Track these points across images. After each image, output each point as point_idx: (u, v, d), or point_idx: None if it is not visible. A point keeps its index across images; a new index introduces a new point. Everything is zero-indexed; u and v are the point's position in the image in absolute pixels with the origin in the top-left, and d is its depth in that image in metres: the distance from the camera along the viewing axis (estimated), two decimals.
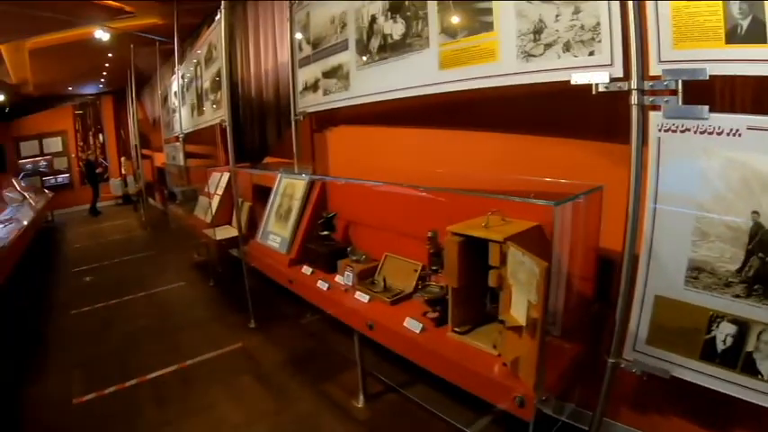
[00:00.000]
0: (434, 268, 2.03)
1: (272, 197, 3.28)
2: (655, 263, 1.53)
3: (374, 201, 2.70)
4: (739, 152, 1.34)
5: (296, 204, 3.04)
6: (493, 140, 2.26)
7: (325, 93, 3.04)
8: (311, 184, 3.03)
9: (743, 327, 1.38)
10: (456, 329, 1.87)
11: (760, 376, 1.37)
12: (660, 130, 1.46)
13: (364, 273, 2.52)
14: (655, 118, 1.47)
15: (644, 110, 1.49)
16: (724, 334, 1.41)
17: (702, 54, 1.36)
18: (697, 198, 1.42)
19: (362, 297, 2.32)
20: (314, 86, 3.14)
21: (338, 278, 2.57)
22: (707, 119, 1.38)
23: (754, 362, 1.37)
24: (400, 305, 2.25)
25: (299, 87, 3.32)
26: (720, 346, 1.42)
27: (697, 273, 1.44)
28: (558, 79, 1.70)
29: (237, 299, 3.88)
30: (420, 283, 2.28)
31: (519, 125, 2.14)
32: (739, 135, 1.33)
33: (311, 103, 3.21)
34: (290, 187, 3.16)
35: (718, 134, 1.37)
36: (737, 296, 1.38)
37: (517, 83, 1.84)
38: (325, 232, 2.82)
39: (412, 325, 1.97)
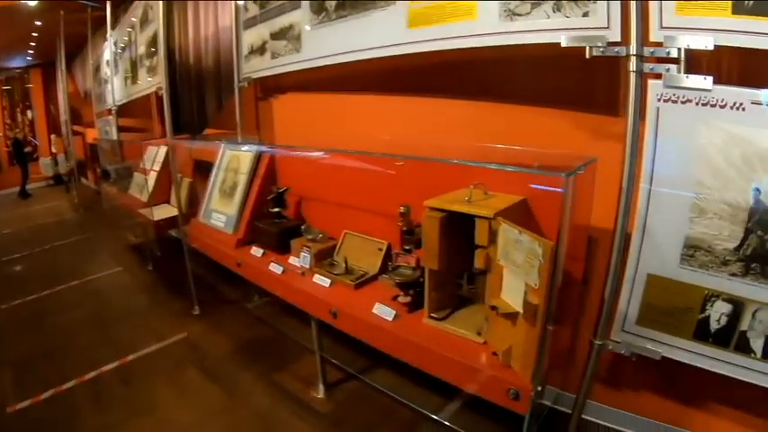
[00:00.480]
0: (407, 248, 1.87)
1: (214, 172, 2.96)
2: (648, 240, 1.45)
3: (331, 174, 2.46)
4: (742, 127, 1.28)
5: (242, 179, 2.75)
6: (466, 108, 2.10)
7: (274, 56, 2.74)
8: (259, 157, 2.75)
9: (738, 306, 1.35)
10: (433, 315, 1.72)
11: (753, 354, 1.34)
12: (659, 100, 1.37)
13: (322, 253, 2.31)
14: (654, 87, 1.38)
15: (643, 78, 1.40)
16: (719, 313, 1.38)
17: (707, 23, 1.28)
18: (696, 173, 1.35)
19: (322, 281, 2.12)
20: (261, 49, 2.82)
21: (292, 260, 2.35)
22: (710, 90, 1.31)
23: (748, 340, 1.34)
24: (365, 288, 2.08)
25: (244, 51, 2.98)
26: (714, 326, 1.39)
27: (693, 251, 1.38)
28: (547, 41, 1.56)
29: (179, 283, 3.57)
30: (390, 264, 2.12)
31: (496, 92, 1.99)
32: (743, 109, 1.27)
33: (257, 68, 2.90)
34: (234, 160, 2.86)
35: (721, 107, 1.30)
36: (734, 274, 1.33)
37: (500, 44, 1.69)
38: (276, 209, 2.56)
39: (383, 311, 1.80)
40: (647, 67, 1.38)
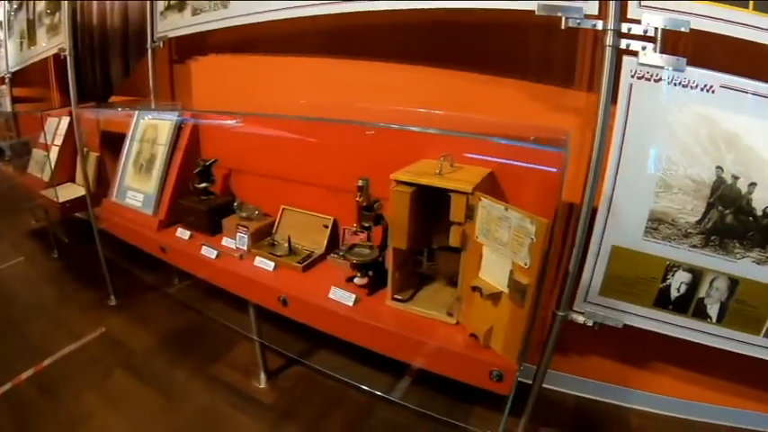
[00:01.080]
0: (366, 225, 1.75)
1: (127, 144, 2.57)
2: (614, 214, 1.48)
3: (264, 143, 2.22)
4: (710, 108, 1.33)
5: (161, 151, 2.41)
6: (416, 73, 1.99)
7: (196, 12, 2.41)
8: (180, 126, 2.41)
9: (697, 275, 1.42)
10: (398, 297, 1.63)
11: (709, 319, 1.44)
12: (633, 77, 1.39)
13: (260, 232, 2.12)
14: (628, 63, 1.39)
15: (618, 53, 1.40)
16: (679, 282, 1.45)
17: (684, 5, 1.29)
18: (664, 150, 1.40)
19: (265, 264, 1.93)
20: (180, 5, 2.48)
21: (226, 241, 2.11)
22: (683, 71, 1.34)
23: (705, 307, 1.43)
24: (314, 270, 1.93)
25: (159, 7, 2.61)
26: (674, 294, 1.46)
27: (657, 224, 1.43)
28: (518, 8, 1.50)
29: (90, 272, 3.11)
30: (343, 244, 1.99)
31: (450, 57, 1.91)
32: (712, 92, 1.32)
33: (175, 25, 2.55)
34: (151, 130, 2.50)
35: (692, 88, 1.33)
36: (695, 246, 1.40)
37: (464, 6, 1.59)
38: (203, 184, 2.27)
39: (341, 296, 1.67)
40: (624, 43, 1.38)
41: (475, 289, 1.38)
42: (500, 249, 1.31)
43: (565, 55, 1.69)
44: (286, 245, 2.02)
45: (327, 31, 2.11)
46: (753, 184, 1.31)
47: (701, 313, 1.45)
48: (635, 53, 1.37)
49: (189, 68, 2.81)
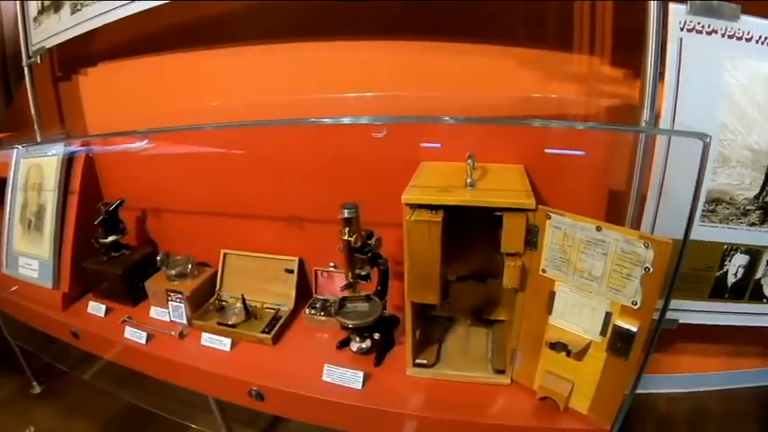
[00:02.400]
0: (363, 273, 1.24)
1: (8, 195, 1.83)
2: (665, 200, 1.23)
3: (187, 166, 1.64)
4: (766, 64, 1.11)
5: (50, 199, 1.72)
6: (381, 50, 1.45)
7: (75, 10, 1.64)
8: (70, 161, 1.74)
9: (754, 256, 1.25)
10: (421, 361, 1.24)
11: (765, 300, 1.31)
12: (683, 29, 1.10)
13: (199, 293, 1.59)
14: (676, 13, 1.09)
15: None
16: (736, 266, 1.26)
17: None
18: (720, 117, 1.16)
19: (216, 342, 1.42)
20: (55, 5, 1.69)
21: (155, 312, 1.59)
22: (738, 19, 1.09)
23: (761, 287, 1.29)
24: (287, 338, 1.46)
25: (32, 11, 1.77)
26: (731, 280, 1.27)
27: (715, 205, 1.21)
28: None
29: (2, 357, 2.20)
30: (321, 295, 1.48)
31: (417, 25, 1.42)
32: None
33: (53, 31, 1.73)
34: (35, 172, 1.77)
35: (747, 40, 1.10)
36: (753, 224, 1.22)
37: None
38: (111, 238, 1.66)
39: (342, 377, 1.24)
40: None
41: (556, 347, 1.02)
42: (587, 286, 0.96)
43: (558, 14, 1.33)
44: (239, 306, 1.52)
45: (255, 11, 1.50)
46: None
47: (758, 296, 1.30)
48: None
49: (77, 85, 1.91)
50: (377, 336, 1.29)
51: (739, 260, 1.27)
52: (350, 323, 1.25)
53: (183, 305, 1.49)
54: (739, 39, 1.10)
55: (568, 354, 1.00)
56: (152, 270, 1.67)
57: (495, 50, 1.36)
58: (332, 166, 1.43)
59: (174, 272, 1.60)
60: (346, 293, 1.31)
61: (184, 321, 1.49)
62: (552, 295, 1.03)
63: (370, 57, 1.45)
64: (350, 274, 1.24)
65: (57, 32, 1.77)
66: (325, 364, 1.24)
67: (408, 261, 1.06)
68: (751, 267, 1.27)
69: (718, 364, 1.70)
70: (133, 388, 1.92)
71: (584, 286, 0.98)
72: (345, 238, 1.18)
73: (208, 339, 1.42)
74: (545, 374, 1.10)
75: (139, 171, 1.72)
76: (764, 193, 1.20)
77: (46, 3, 1.71)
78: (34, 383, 2.15)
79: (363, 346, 1.31)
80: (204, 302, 1.57)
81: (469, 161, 1.08)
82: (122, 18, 1.51)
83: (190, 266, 1.62)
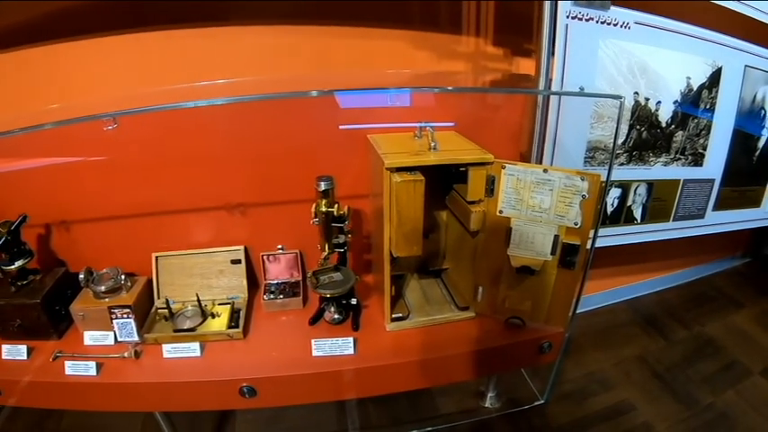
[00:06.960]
0: (340, 241, 1.31)
1: None
2: (559, 149, 1.57)
3: (91, 164, 1.42)
4: (627, 42, 1.49)
5: None
6: (284, 36, 1.45)
7: None
8: None
9: (625, 188, 1.67)
10: (397, 315, 1.39)
11: (636, 221, 1.73)
12: (568, 17, 1.42)
13: (139, 305, 1.41)
14: (564, 5, 1.41)
15: None
16: (612, 198, 1.67)
17: None
18: (596, 83, 1.51)
19: (183, 351, 1.32)
20: None
21: (91, 339, 1.37)
22: (608, 10, 1.45)
23: (632, 212, 1.71)
24: (256, 329, 1.42)
25: None
26: (609, 209, 1.69)
27: (593, 152, 1.58)
28: None
29: None
30: (273, 279, 1.49)
31: (317, 13, 1.45)
32: (628, 28, 1.48)
33: None
34: None
35: (614, 25, 1.47)
36: (622, 164, 1.63)
37: None
38: (17, 263, 1.37)
39: (333, 347, 1.30)
40: None
41: (521, 270, 1.26)
42: (539, 217, 1.22)
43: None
44: (191, 308, 1.45)
45: None
46: (659, 103, 1.58)
47: (630, 219, 1.72)
48: None
49: None
50: (354, 301, 1.39)
51: (614, 193, 1.67)
52: (334, 293, 1.32)
53: (131, 320, 1.33)
54: (609, 24, 1.46)
55: (532, 273, 1.25)
56: (71, 293, 1.44)
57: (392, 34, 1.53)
58: (260, 144, 1.42)
59: (103, 288, 1.38)
60: (316, 268, 1.38)
61: (136, 338, 1.34)
62: (509, 231, 1.27)
63: (278, 41, 1.45)
64: (326, 245, 1.33)
65: None
66: (313, 340, 1.29)
67: (396, 219, 1.18)
68: (623, 198, 1.69)
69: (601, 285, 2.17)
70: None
71: (536, 218, 1.23)
72: (324, 209, 1.26)
73: (171, 350, 1.31)
74: (507, 298, 1.34)
75: (34, 177, 1.44)
76: (629, 140, 1.61)
77: None
78: None
79: (337, 316, 1.39)
80: (146, 314, 1.43)
81: (429, 129, 1.26)
82: None
83: (121, 277, 1.42)
